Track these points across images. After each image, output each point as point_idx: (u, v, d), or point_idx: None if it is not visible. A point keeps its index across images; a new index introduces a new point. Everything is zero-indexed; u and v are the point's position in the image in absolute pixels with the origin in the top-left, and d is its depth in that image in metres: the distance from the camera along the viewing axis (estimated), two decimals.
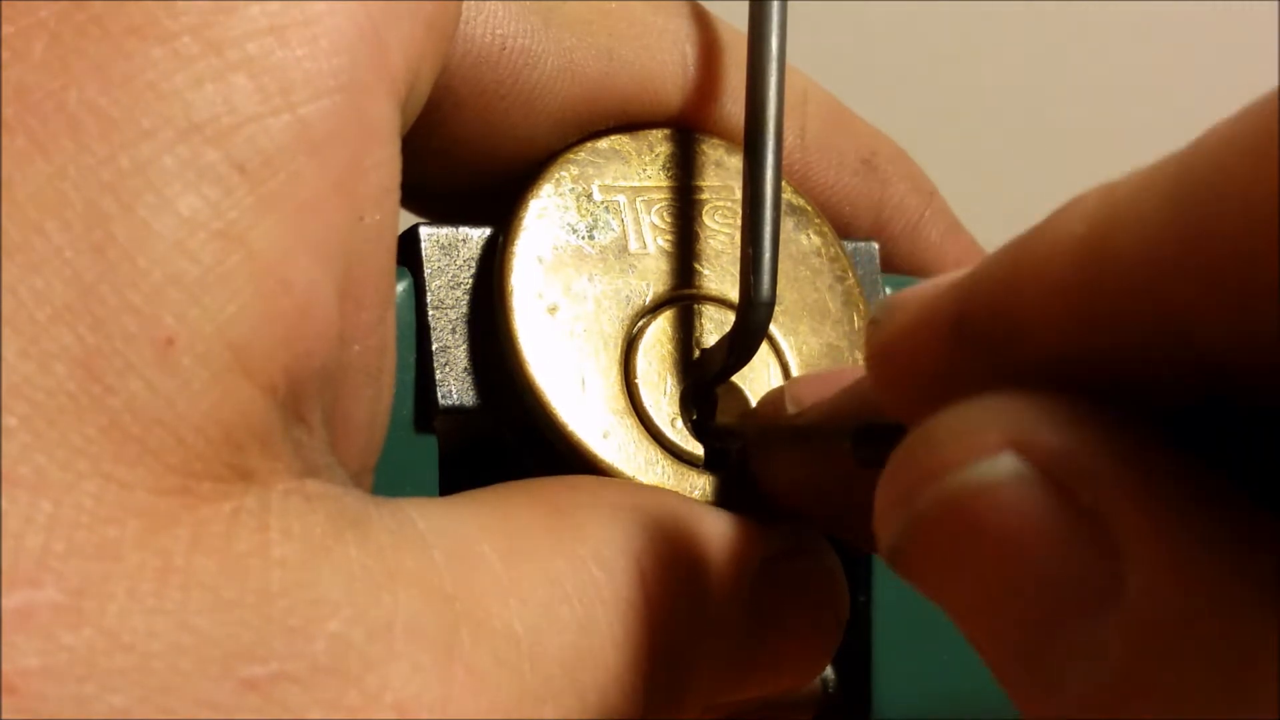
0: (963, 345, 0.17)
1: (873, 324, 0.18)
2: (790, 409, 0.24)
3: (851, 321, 0.27)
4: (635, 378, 0.26)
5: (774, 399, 0.25)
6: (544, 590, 0.20)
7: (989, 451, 0.16)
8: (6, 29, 0.18)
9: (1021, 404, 0.16)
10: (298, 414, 0.19)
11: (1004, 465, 0.16)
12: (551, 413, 0.25)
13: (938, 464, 0.16)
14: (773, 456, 0.25)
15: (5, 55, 0.18)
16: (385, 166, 0.20)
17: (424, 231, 0.26)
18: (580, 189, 0.26)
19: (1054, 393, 0.16)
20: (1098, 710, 0.15)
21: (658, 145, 0.27)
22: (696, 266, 0.27)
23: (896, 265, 0.31)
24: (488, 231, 0.26)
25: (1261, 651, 0.14)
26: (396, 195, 0.21)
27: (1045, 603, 0.16)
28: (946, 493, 0.16)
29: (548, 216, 0.26)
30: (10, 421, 0.17)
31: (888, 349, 0.18)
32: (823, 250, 0.28)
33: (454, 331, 0.26)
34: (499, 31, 0.25)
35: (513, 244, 0.26)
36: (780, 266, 0.25)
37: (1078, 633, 0.15)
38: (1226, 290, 0.14)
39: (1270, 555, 0.15)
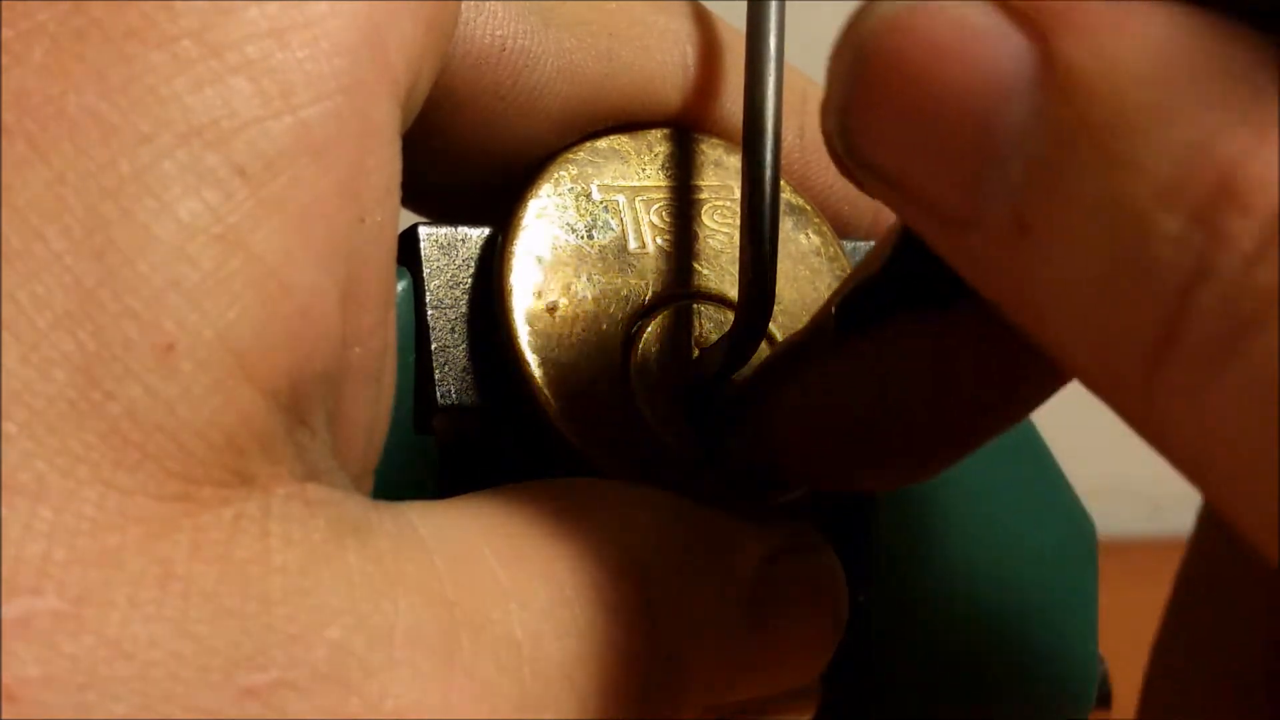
0: None
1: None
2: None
3: None
4: (634, 377, 0.26)
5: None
6: (544, 594, 0.20)
7: None
8: (6, 33, 0.18)
9: None
10: (300, 417, 0.19)
11: None
12: (550, 413, 0.25)
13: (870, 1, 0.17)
14: (774, 396, 0.25)
15: (5, 60, 0.18)
16: (386, 167, 0.20)
17: (423, 231, 0.26)
18: (579, 188, 0.26)
19: None
20: (1048, 176, 0.16)
21: (657, 145, 0.27)
22: (696, 266, 0.27)
23: None
24: (487, 231, 0.26)
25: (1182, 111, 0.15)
26: (397, 196, 0.21)
27: (981, 93, 0.16)
28: (880, 17, 0.17)
29: (547, 216, 0.26)
30: (10, 428, 0.17)
31: None
32: (822, 250, 0.28)
33: (453, 331, 0.26)
34: (499, 32, 0.25)
35: (512, 243, 0.26)
36: (779, 266, 0.25)
37: (1015, 116, 0.16)
38: None
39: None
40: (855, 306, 0.22)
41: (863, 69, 0.17)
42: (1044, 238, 0.16)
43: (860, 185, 0.19)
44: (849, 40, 0.17)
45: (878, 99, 0.17)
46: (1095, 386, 0.17)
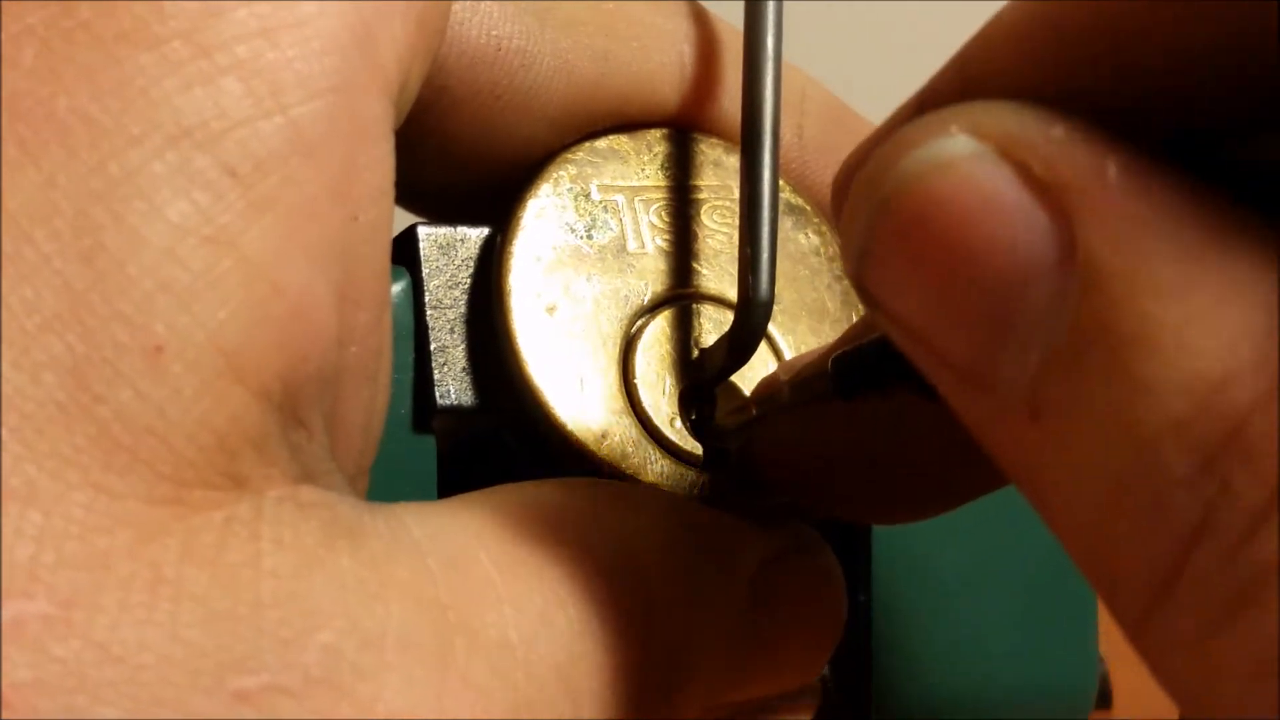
0: None
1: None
2: (783, 378, 0.25)
3: (850, 320, 0.27)
4: (634, 377, 0.26)
5: (769, 380, 0.25)
6: (539, 597, 0.20)
7: (948, 134, 0.17)
8: None
9: (985, 103, 0.17)
10: (296, 418, 0.19)
11: (960, 143, 0.16)
12: (550, 412, 0.25)
13: (898, 150, 0.17)
14: (769, 430, 0.25)
15: None
16: (379, 165, 0.20)
17: (422, 231, 0.26)
18: (578, 189, 0.26)
19: (1028, 102, 0.17)
20: (1064, 367, 0.16)
21: (656, 145, 0.27)
22: (695, 266, 0.27)
23: None
24: (486, 231, 0.26)
25: (1202, 286, 0.15)
26: (391, 194, 0.21)
27: (1004, 269, 0.16)
28: (906, 173, 0.17)
29: (546, 216, 0.26)
30: (0, 432, 0.17)
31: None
32: (821, 249, 0.28)
33: (452, 331, 0.26)
34: (494, 32, 0.25)
35: (511, 244, 0.26)
36: (779, 266, 0.25)
37: (1035, 300, 0.16)
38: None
39: (1226, 224, 0.15)
40: (852, 371, 0.22)
41: (885, 221, 0.17)
42: (1055, 430, 0.16)
43: (877, 323, 0.19)
44: (872, 185, 0.17)
45: (898, 254, 0.17)
46: (1097, 591, 0.17)
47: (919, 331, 0.17)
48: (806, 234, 0.28)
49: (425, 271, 0.26)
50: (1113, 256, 0.15)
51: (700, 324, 0.26)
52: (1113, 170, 0.16)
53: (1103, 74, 0.16)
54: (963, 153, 0.16)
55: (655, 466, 0.25)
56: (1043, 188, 0.16)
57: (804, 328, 0.27)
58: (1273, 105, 0.16)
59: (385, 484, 0.22)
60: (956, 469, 0.23)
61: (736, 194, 0.27)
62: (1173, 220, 0.15)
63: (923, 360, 0.17)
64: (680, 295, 0.26)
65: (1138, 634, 0.16)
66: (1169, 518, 0.15)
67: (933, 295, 0.17)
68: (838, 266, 0.28)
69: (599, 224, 0.26)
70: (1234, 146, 0.16)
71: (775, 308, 0.25)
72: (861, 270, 0.18)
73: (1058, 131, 0.16)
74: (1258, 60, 0.15)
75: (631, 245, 0.26)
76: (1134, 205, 0.16)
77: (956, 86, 0.18)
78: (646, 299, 0.26)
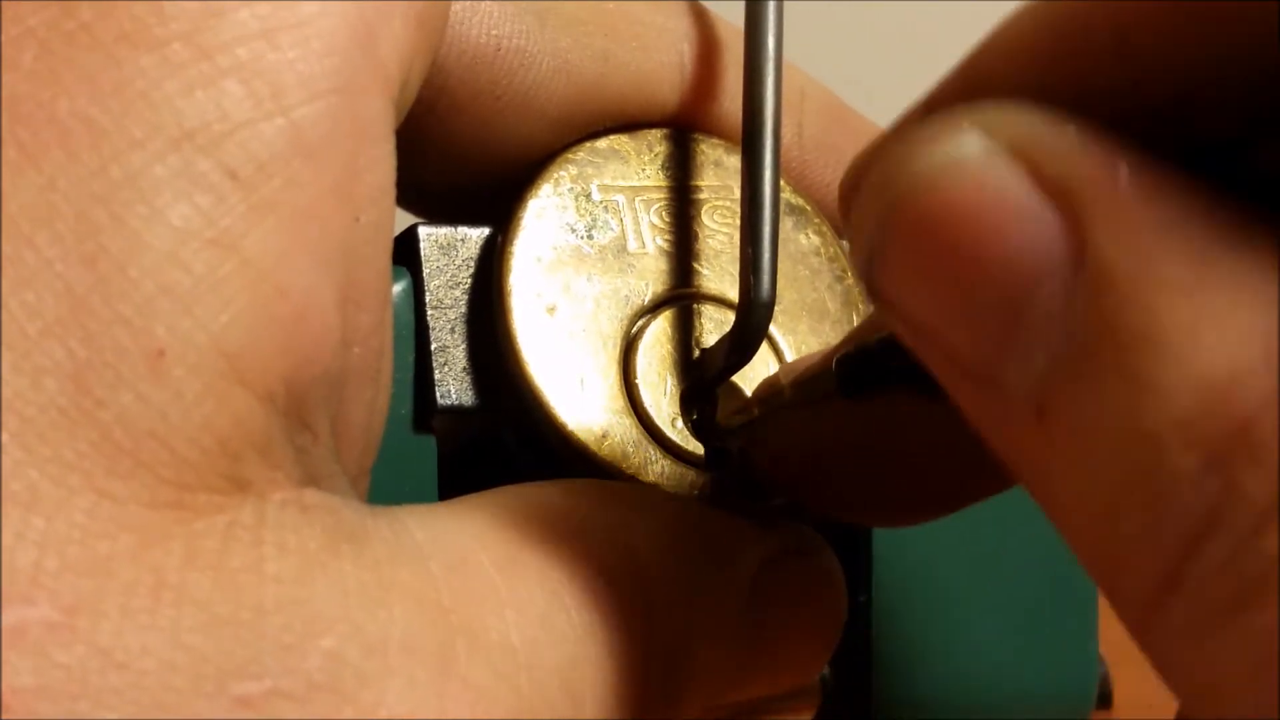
0: None
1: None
2: (784, 381, 0.25)
3: (851, 321, 0.27)
4: (635, 378, 0.26)
5: (770, 381, 0.25)
6: (541, 600, 0.20)
7: (960, 134, 0.17)
8: None
9: (997, 104, 0.17)
10: (301, 421, 0.19)
11: (972, 143, 0.16)
12: (550, 413, 0.25)
13: (910, 149, 0.17)
14: (770, 430, 0.25)
15: None
16: (381, 165, 0.20)
17: (423, 231, 0.26)
18: (579, 189, 0.26)
19: (1040, 104, 0.17)
20: (1072, 368, 0.16)
21: (657, 145, 0.27)
22: (696, 266, 0.27)
23: None
24: (486, 231, 0.26)
25: (1214, 297, 0.15)
26: (392, 193, 0.21)
27: (1015, 270, 0.16)
28: (918, 172, 0.17)
29: (546, 216, 0.26)
30: (2, 437, 0.17)
31: None
32: (822, 250, 0.28)
33: (453, 331, 0.26)
34: (494, 32, 0.25)
35: (511, 244, 0.26)
36: (779, 266, 0.25)
37: (1044, 300, 0.16)
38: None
39: (1241, 233, 0.15)
40: (856, 370, 0.22)
41: (896, 220, 0.17)
42: (1060, 430, 0.16)
43: (886, 321, 0.19)
44: (884, 184, 0.17)
45: (907, 254, 0.17)
46: (1100, 587, 0.17)
47: (928, 330, 0.17)
48: (807, 234, 0.28)
49: (426, 271, 0.25)
50: (1122, 257, 0.15)
51: (701, 324, 0.26)
52: (1124, 172, 0.16)
53: (1115, 77, 0.16)
54: (974, 152, 0.16)
55: (656, 467, 0.25)
56: (1054, 189, 0.16)
57: (804, 328, 0.27)
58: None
59: (386, 484, 0.22)
60: (958, 473, 0.23)
61: (737, 194, 0.27)
62: (1182, 222, 0.15)
63: (931, 359, 0.17)
64: (681, 295, 0.26)
65: (1141, 630, 0.16)
66: (1174, 515, 0.15)
67: (943, 294, 0.17)
68: (838, 267, 0.28)
69: (600, 224, 0.26)
70: (1248, 152, 0.16)
71: (776, 308, 0.25)
72: (872, 268, 0.17)
73: (1070, 133, 0.16)
74: (1267, 65, 0.15)
75: (632, 245, 0.26)
76: (1144, 207, 0.15)
77: (966, 88, 0.18)
78: (647, 299, 0.26)
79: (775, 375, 0.25)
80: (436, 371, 0.25)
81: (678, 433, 0.26)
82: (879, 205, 0.17)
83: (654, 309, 0.26)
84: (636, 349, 0.26)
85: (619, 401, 0.25)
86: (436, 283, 0.26)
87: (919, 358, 0.18)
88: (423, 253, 0.26)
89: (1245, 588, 0.15)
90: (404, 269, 0.25)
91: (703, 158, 0.27)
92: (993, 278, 0.16)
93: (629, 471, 0.25)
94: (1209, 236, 0.15)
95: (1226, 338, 0.15)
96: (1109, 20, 0.16)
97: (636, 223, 0.26)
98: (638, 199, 0.27)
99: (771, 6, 0.25)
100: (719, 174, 0.27)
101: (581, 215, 0.26)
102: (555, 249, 0.26)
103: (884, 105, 0.20)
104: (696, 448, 0.26)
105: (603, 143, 0.27)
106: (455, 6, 0.25)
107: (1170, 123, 0.16)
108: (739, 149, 0.26)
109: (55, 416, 0.17)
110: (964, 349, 0.17)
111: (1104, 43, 0.16)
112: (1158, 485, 0.15)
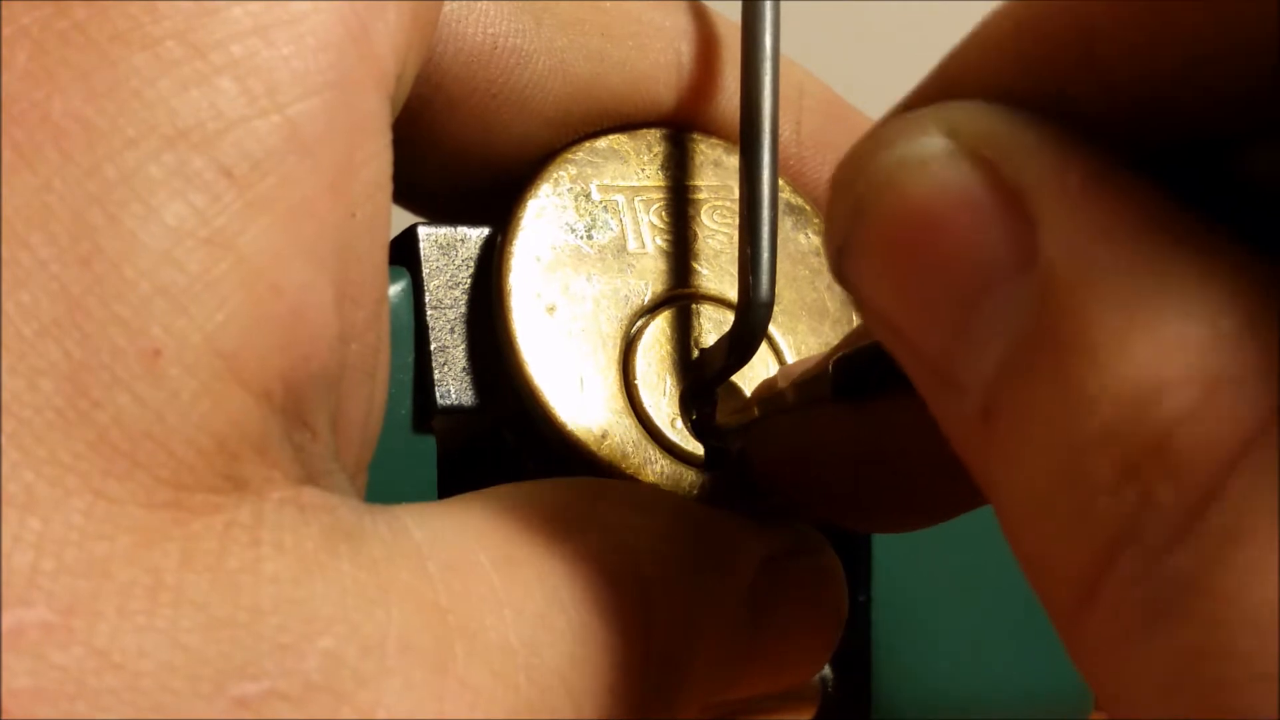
0: None
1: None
2: (781, 384, 0.25)
3: (850, 321, 0.27)
4: (634, 378, 0.26)
5: (768, 383, 0.25)
6: (540, 599, 0.20)
7: (924, 133, 0.17)
8: None
9: (963, 104, 0.17)
10: (300, 419, 0.19)
11: (933, 143, 0.17)
12: (550, 413, 0.25)
13: (876, 146, 0.17)
14: (768, 433, 0.25)
15: None
16: (376, 161, 0.20)
17: (422, 231, 0.26)
18: (578, 188, 0.26)
19: (1007, 106, 0.17)
20: (1016, 370, 0.16)
21: (656, 145, 0.27)
22: (695, 266, 0.27)
23: None
24: (486, 231, 0.26)
25: (1162, 305, 0.15)
26: (389, 188, 0.21)
27: (969, 270, 0.16)
28: (882, 171, 0.17)
29: (546, 216, 0.26)
30: None
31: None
32: (821, 249, 0.28)
33: (452, 331, 0.26)
34: (490, 31, 0.25)
35: (511, 244, 0.25)
36: (779, 266, 0.25)
37: (995, 301, 0.16)
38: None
39: (1196, 240, 0.15)
40: (852, 373, 0.22)
41: (861, 216, 0.17)
42: (1001, 431, 0.16)
43: (857, 311, 0.19)
44: (850, 180, 0.17)
45: (872, 248, 0.17)
46: (1035, 588, 0.17)
47: (893, 325, 0.17)
48: (806, 234, 0.28)
49: (425, 271, 0.25)
50: (1066, 261, 0.15)
51: (700, 324, 0.26)
52: (1076, 178, 0.16)
53: (1085, 80, 0.16)
54: (936, 152, 0.17)
55: (655, 467, 0.25)
56: (1009, 191, 0.16)
57: (804, 328, 0.27)
58: (1255, 117, 0.16)
59: (385, 484, 0.22)
60: (953, 479, 0.23)
61: (736, 194, 0.27)
62: (1130, 229, 0.15)
63: (899, 354, 0.18)
64: (680, 295, 0.26)
65: (1064, 636, 0.16)
66: (1092, 525, 0.15)
67: (903, 289, 0.17)
68: None
69: (599, 224, 0.26)
70: (1223, 158, 0.16)
71: (775, 308, 0.25)
72: (841, 261, 0.18)
73: (1029, 135, 0.16)
74: (1237, 70, 0.15)
75: (631, 245, 0.26)
76: (1095, 213, 0.16)
77: (943, 89, 0.18)
78: (647, 299, 0.26)
79: (774, 377, 0.25)
80: (436, 371, 0.25)
81: (677, 433, 0.26)
82: (848, 200, 0.17)
83: (653, 309, 0.26)
84: (636, 349, 0.26)
85: (618, 401, 0.25)
86: (436, 283, 0.26)
87: (889, 352, 0.18)
88: (422, 253, 0.26)
89: (1158, 605, 0.14)
90: (403, 269, 0.25)
91: (702, 157, 0.27)
92: (948, 275, 0.16)
93: (628, 471, 0.25)
94: (1156, 245, 0.15)
95: (1156, 348, 0.15)
96: (1077, 23, 0.16)
97: (636, 223, 0.26)
98: (637, 199, 0.27)
99: (769, 6, 0.25)
100: (718, 174, 0.27)
101: (581, 215, 0.26)
102: (554, 249, 0.26)
103: (884, 105, 0.20)
104: (696, 448, 0.26)
105: (602, 142, 0.27)
106: (452, 4, 0.25)
107: (1144, 126, 0.16)
108: (738, 149, 0.26)
109: (51, 418, 0.17)
110: (924, 345, 0.17)
111: (1072, 45, 0.16)
112: (1080, 494, 0.15)
